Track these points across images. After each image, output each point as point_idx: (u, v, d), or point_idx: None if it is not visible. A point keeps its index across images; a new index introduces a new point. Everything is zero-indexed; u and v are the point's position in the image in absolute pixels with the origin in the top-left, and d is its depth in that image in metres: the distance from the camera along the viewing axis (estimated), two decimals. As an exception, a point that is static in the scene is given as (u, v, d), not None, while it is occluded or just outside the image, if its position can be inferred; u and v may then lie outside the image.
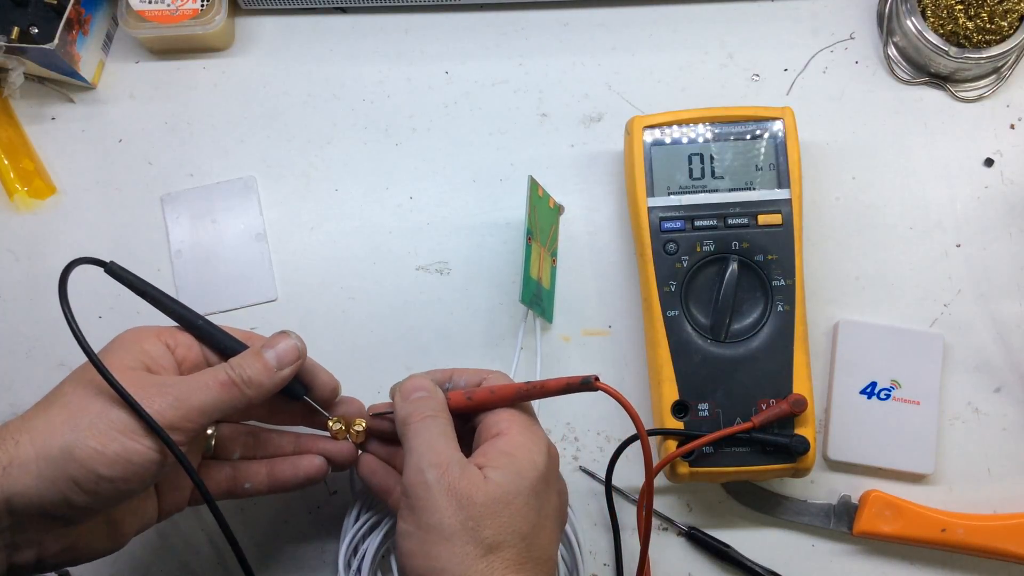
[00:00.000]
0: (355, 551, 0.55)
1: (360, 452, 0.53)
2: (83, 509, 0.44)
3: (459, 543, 0.43)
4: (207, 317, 0.50)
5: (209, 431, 0.53)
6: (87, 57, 0.66)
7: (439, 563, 0.43)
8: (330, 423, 0.52)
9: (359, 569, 0.55)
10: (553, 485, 0.48)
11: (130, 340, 0.48)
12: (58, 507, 0.43)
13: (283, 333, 0.50)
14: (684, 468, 0.56)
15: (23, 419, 0.44)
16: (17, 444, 0.43)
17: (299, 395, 0.51)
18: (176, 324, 0.50)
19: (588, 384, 0.46)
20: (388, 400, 0.51)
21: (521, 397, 0.48)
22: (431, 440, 0.46)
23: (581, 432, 0.63)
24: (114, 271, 0.48)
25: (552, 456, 0.48)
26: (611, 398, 0.47)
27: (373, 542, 0.55)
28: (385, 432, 0.53)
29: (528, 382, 0.48)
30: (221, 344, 0.50)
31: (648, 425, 0.58)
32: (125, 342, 0.47)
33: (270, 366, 0.48)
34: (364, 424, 0.53)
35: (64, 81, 0.67)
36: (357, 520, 0.55)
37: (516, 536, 0.44)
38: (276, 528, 0.62)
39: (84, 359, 0.45)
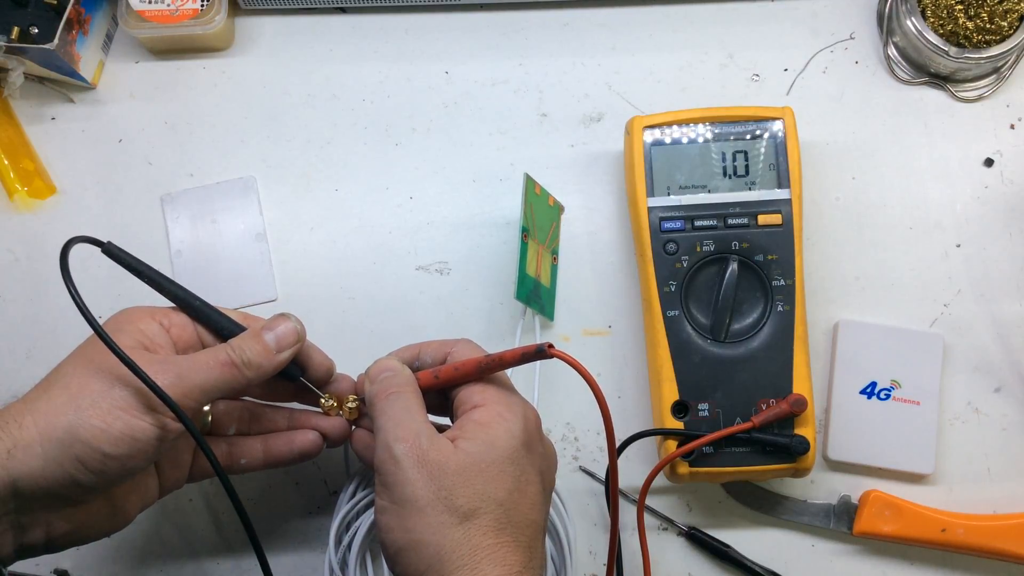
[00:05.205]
0: (347, 527, 0.55)
1: (353, 427, 0.54)
2: (88, 488, 0.44)
3: (433, 513, 0.43)
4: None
5: (205, 408, 0.53)
6: (87, 57, 0.66)
7: (416, 535, 0.43)
8: (322, 400, 0.53)
9: (349, 545, 0.54)
10: (536, 449, 0.48)
11: (124, 320, 0.48)
12: (64, 487, 0.43)
13: (283, 315, 0.50)
14: (684, 468, 0.56)
15: (25, 401, 0.44)
16: (21, 427, 0.43)
17: (295, 377, 0.51)
18: (172, 305, 0.50)
19: (542, 352, 0.47)
20: None
21: (483, 370, 0.49)
22: (396, 415, 0.46)
23: (581, 432, 0.63)
24: (111, 251, 0.48)
25: (531, 420, 0.48)
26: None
27: (367, 519, 0.54)
28: None
29: (488, 355, 0.49)
30: (218, 325, 0.50)
31: (648, 425, 0.59)
32: (120, 322, 0.47)
33: (269, 348, 0.48)
34: (356, 401, 0.53)
35: (64, 81, 0.67)
36: (353, 497, 0.55)
37: (492, 502, 0.44)
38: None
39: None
